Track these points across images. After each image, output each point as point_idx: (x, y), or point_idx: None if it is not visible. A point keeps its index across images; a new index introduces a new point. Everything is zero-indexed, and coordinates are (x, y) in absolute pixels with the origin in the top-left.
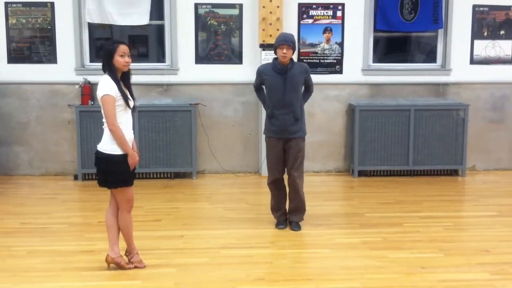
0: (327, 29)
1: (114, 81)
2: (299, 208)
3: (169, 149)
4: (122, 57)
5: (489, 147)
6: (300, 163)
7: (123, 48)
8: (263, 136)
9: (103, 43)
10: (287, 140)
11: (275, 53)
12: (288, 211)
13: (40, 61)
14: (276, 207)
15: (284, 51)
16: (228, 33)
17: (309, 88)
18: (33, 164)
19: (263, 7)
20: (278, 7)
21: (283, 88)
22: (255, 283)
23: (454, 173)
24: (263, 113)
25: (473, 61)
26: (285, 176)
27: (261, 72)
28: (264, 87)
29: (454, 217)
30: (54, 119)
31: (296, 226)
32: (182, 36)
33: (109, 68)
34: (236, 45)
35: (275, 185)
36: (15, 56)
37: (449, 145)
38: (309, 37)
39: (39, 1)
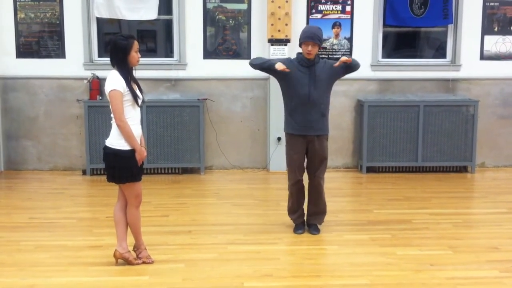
0: (336, 24)
1: (123, 76)
2: (321, 211)
3: (177, 144)
4: (136, 53)
5: (499, 143)
6: (325, 165)
7: (137, 44)
8: (271, 132)
9: (113, 37)
10: (311, 138)
11: (300, 46)
12: (308, 214)
13: (48, 56)
14: (294, 209)
15: (309, 48)
16: (236, 28)
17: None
18: (41, 159)
19: (272, 1)
20: (287, 1)
21: (309, 84)
22: (263, 279)
23: (463, 169)
24: (271, 109)
25: (483, 57)
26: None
27: (287, 63)
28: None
29: (463, 214)
30: (62, 114)
31: (315, 230)
32: (190, 31)
33: (122, 63)
34: (244, 40)
35: (297, 186)
36: (24, 50)
37: (458, 141)
38: None
39: None
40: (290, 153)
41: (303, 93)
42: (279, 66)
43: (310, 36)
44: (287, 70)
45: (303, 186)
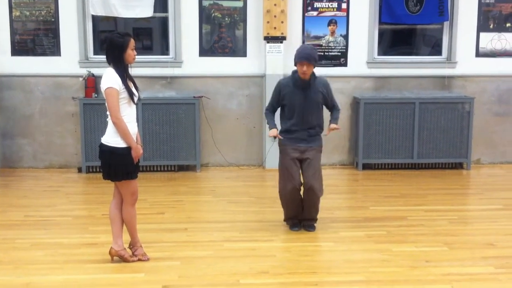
0: (331, 22)
1: (120, 74)
2: (314, 217)
3: (173, 142)
4: (132, 50)
5: (494, 140)
6: (319, 176)
7: (133, 41)
8: (267, 129)
9: (109, 35)
10: (304, 148)
11: (295, 65)
12: (302, 218)
13: (44, 54)
14: (291, 216)
15: (304, 68)
16: (232, 26)
17: (333, 107)
18: (37, 157)
19: None
20: None
21: (303, 106)
22: (259, 276)
23: (459, 166)
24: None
25: (478, 54)
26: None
27: (281, 86)
28: (282, 104)
29: (459, 210)
30: (58, 112)
31: (311, 227)
32: (186, 28)
33: (118, 61)
34: (240, 38)
35: (293, 195)
36: (19, 48)
37: (454, 138)
38: (313, 29)
39: None
40: (284, 161)
41: (298, 114)
42: (271, 133)
43: (306, 57)
44: (276, 136)
45: (300, 196)
